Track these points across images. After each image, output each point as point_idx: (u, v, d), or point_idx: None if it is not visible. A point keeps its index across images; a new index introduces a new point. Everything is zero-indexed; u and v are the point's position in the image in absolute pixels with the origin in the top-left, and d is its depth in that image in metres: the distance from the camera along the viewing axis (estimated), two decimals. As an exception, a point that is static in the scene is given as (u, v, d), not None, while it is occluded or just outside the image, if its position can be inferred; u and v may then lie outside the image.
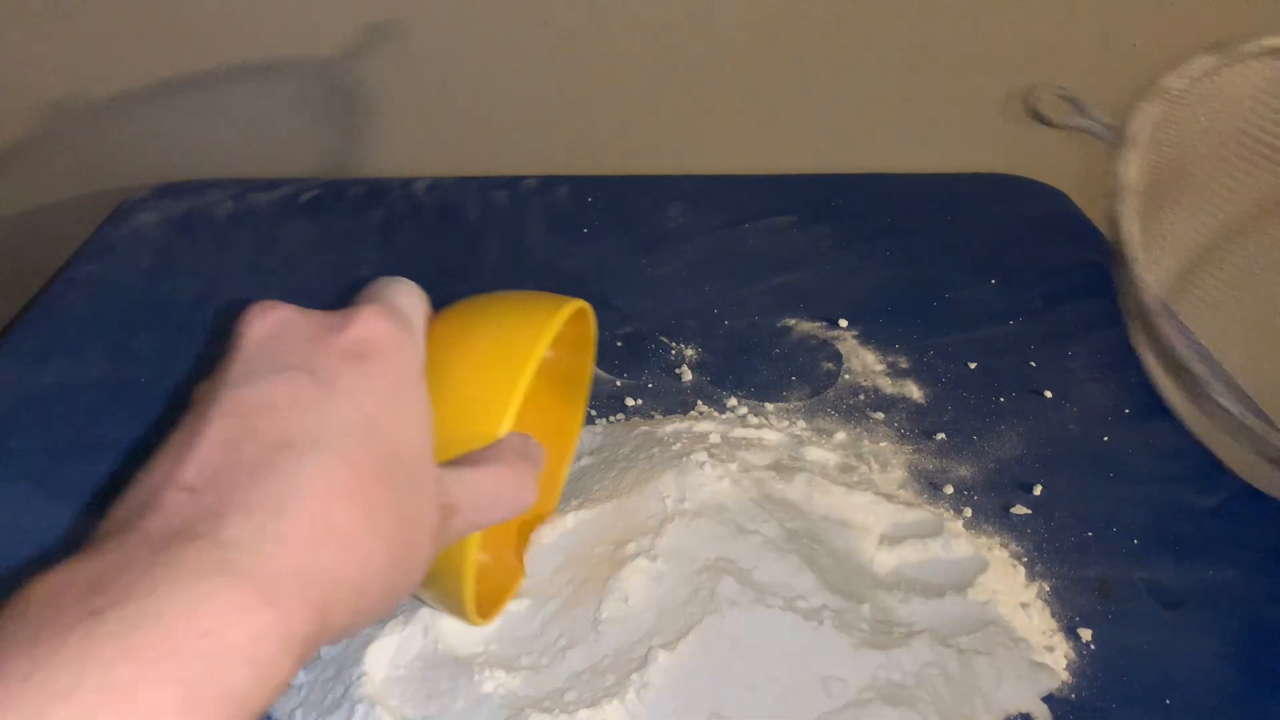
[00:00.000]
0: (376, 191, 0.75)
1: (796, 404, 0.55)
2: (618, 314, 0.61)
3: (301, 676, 0.38)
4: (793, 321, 0.61)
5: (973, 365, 0.58)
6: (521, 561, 0.41)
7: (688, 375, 0.57)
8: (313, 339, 0.26)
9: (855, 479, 0.49)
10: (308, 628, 0.20)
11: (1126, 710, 0.39)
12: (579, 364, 0.44)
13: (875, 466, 0.50)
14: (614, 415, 0.53)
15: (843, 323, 0.61)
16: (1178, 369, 0.27)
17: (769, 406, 0.54)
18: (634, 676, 0.35)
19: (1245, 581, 0.45)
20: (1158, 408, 0.55)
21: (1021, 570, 0.45)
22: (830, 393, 0.56)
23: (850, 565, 0.42)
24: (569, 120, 0.79)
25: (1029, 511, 0.48)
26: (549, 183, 0.76)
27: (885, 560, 0.43)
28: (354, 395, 0.24)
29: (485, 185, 0.76)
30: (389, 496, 0.24)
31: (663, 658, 0.36)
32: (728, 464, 0.44)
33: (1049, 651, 0.41)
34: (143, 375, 0.55)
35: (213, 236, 0.68)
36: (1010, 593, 0.43)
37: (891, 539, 0.44)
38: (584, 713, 0.35)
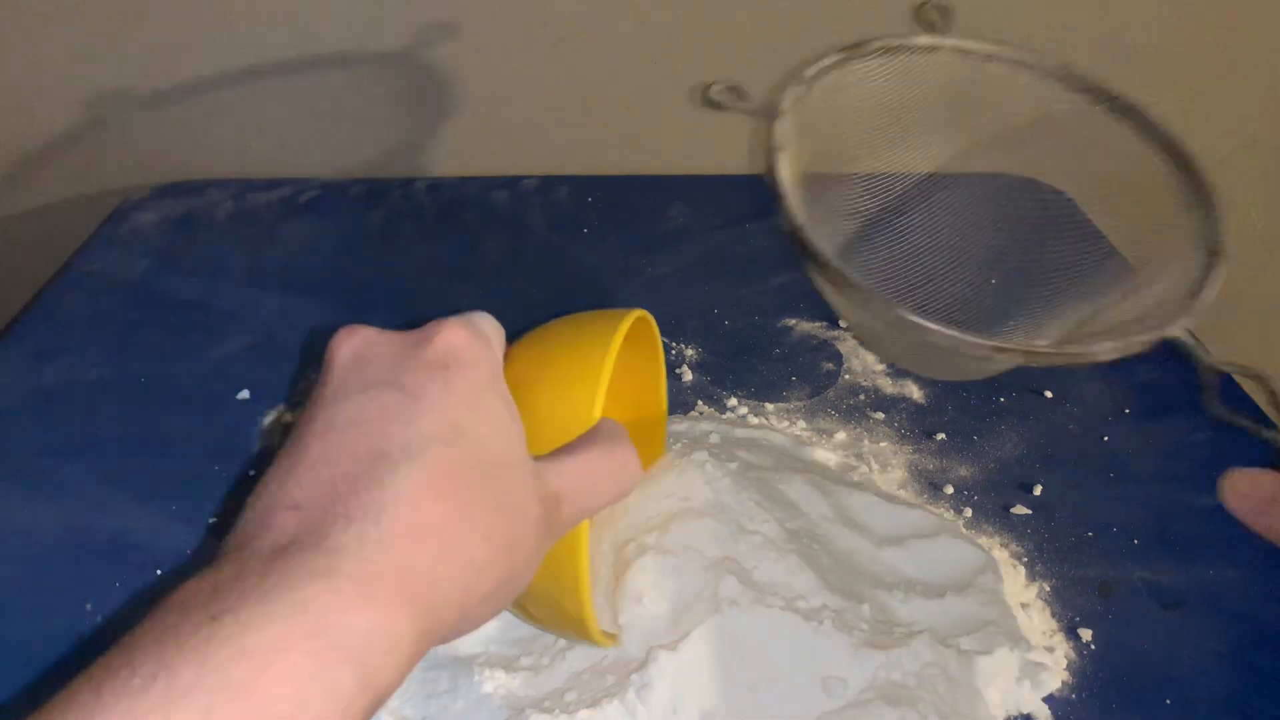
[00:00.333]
0: (376, 191, 0.75)
1: (796, 404, 0.55)
2: (618, 314, 0.61)
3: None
4: (793, 321, 0.61)
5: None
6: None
7: (688, 375, 0.57)
8: (396, 355, 0.27)
9: (855, 479, 0.49)
10: (414, 625, 0.21)
11: (1126, 710, 0.39)
12: (649, 372, 0.45)
13: (875, 466, 0.50)
14: (614, 415, 0.53)
15: (843, 323, 0.61)
16: (826, 272, 0.37)
17: (769, 406, 0.54)
18: (634, 676, 0.35)
19: (1245, 581, 0.45)
20: (1158, 408, 0.56)
21: (1021, 570, 0.45)
22: (830, 393, 0.56)
23: (850, 565, 0.42)
24: (569, 120, 0.79)
25: (1029, 511, 0.48)
26: (549, 183, 0.76)
27: (885, 560, 0.43)
28: (440, 404, 0.25)
29: (485, 185, 0.76)
30: (484, 496, 0.25)
31: (663, 658, 0.36)
32: (728, 464, 0.44)
33: (1049, 651, 0.41)
34: (143, 375, 0.55)
35: (213, 236, 0.68)
36: (1010, 593, 0.43)
37: (891, 539, 0.44)
38: (584, 713, 0.35)
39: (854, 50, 0.46)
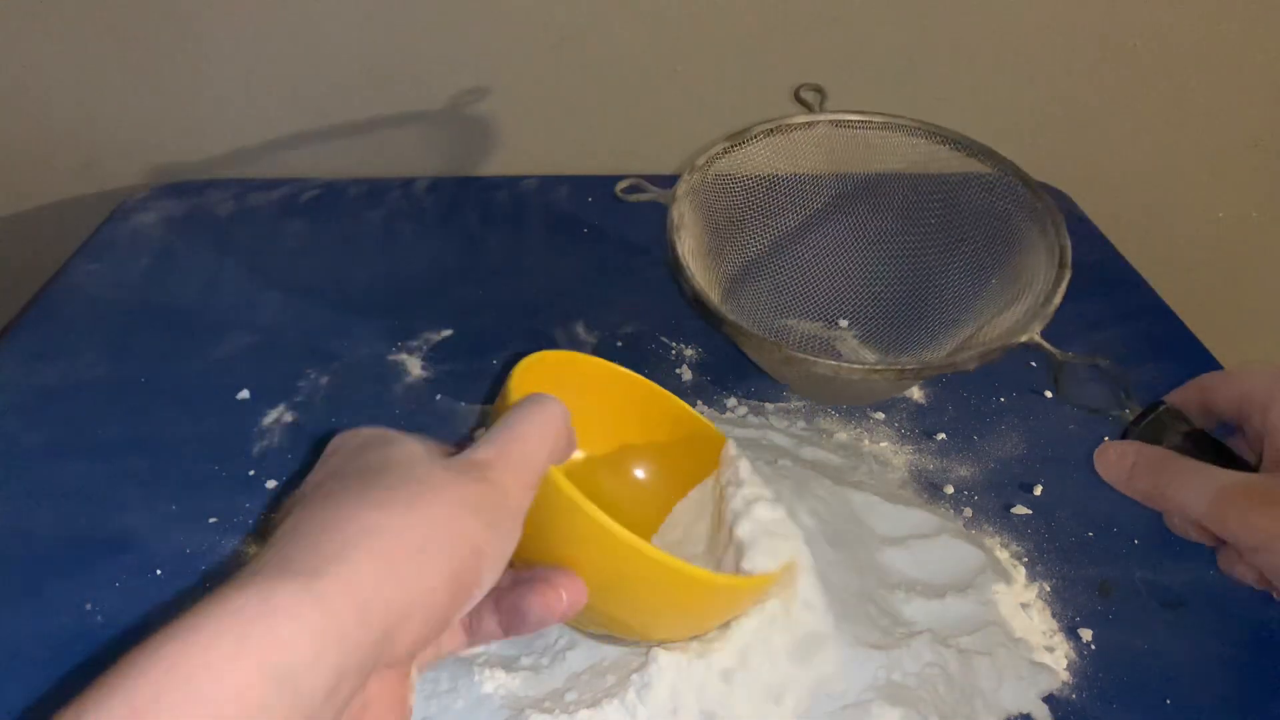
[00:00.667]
0: (376, 191, 0.75)
1: (796, 404, 0.55)
2: (618, 314, 0.61)
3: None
4: (793, 321, 0.61)
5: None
6: None
7: (688, 375, 0.57)
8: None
9: (855, 479, 0.49)
10: (363, 632, 0.22)
11: (1126, 710, 0.39)
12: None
13: (875, 466, 0.50)
14: (614, 415, 0.53)
15: (843, 323, 0.61)
16: (725, 326, 0.46)
17: (769, 406, 0.54)
18: (634, 677, 0.35)
19: (1245, 581, 0.45)
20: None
21: (1021, 570, 0.45)
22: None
23: (850, 565, 0.42)
24: (569, 120, 0.79)
25: (1029, 511, 0.48)
26: (549, 183, 0.76)
27: (885, 560, 0.43)
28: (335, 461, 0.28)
29: (485, 185, 0.76)
30: (403, 498, 0.25)
31: (663, 658, 0.36)
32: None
33: (1049, 651, 0.41)
34: (143, 375, 0.55)
35: (213, 236, 0.68)
36: (1010, 593, 0.43)
37: (891, 539, 0.44)
38: (584, 713, 0.35)
39: (738, 137, 0.54)
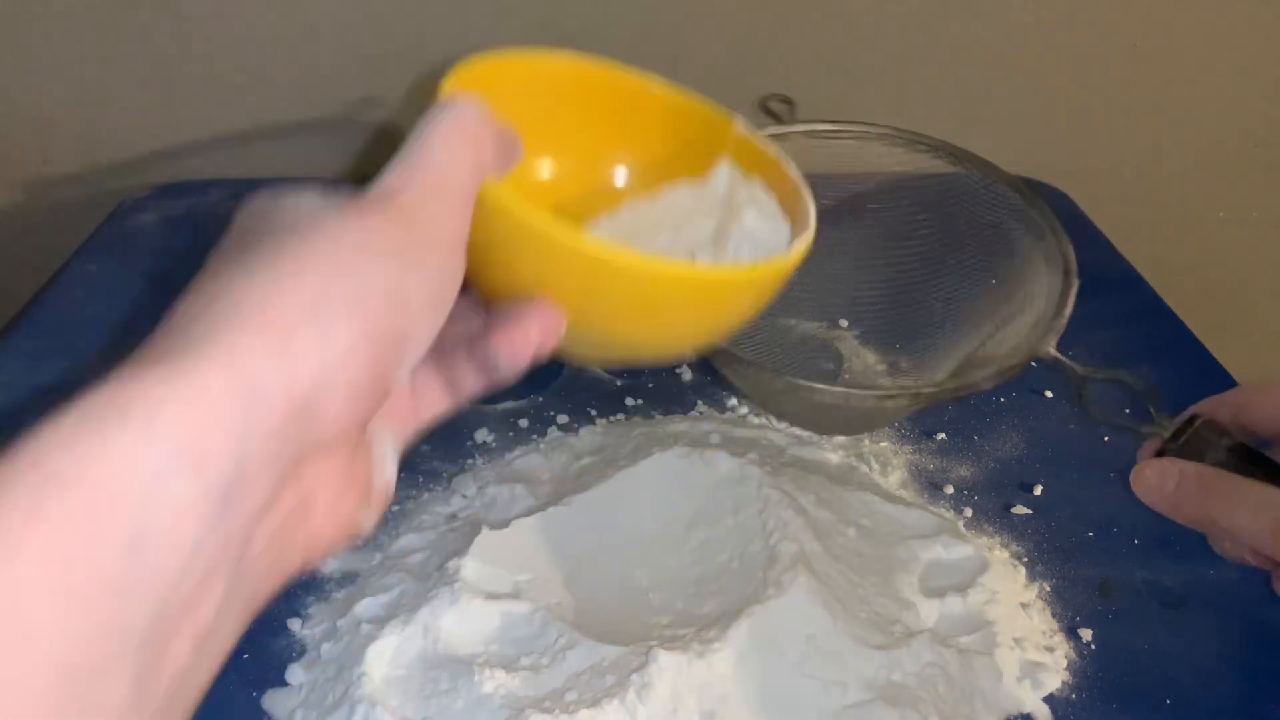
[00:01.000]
0: (376, 191, 0.75)
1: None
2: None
3: (302, 676, 0.38)
4: (793, 321, 0.61)
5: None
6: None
7: (688, 375, 0.57)
8: None
9: (855, 479, 0.49)
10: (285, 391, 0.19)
11: (1126, 710, 0.39)
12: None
13: (875, 466, 0.50)
14: (614, 415, 0.53)
15: (843, 323, 0.61)
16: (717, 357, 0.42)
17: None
18: (634, 677, 0.35)
19: (1245, 581, 0.45)
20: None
21: (1022, 570, 0.45)
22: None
23: (850, 565, 0.42)
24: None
25: (1029, 511, 0.48)
26: (549, 183, 0.76)
27: (886, 560, 0.43)
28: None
29: (485, 185, 0.76)
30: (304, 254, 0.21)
31: (663, 658, 0.36)
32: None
33: (1049, 651, 0.41)
34: (143, 375, 0.55)
35: (213, 236, 0.68)
36: (1010, 593, 0.43)
37: (892, 539, 0.44)
38: (584, 713, 0.35)
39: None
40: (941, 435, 0.53)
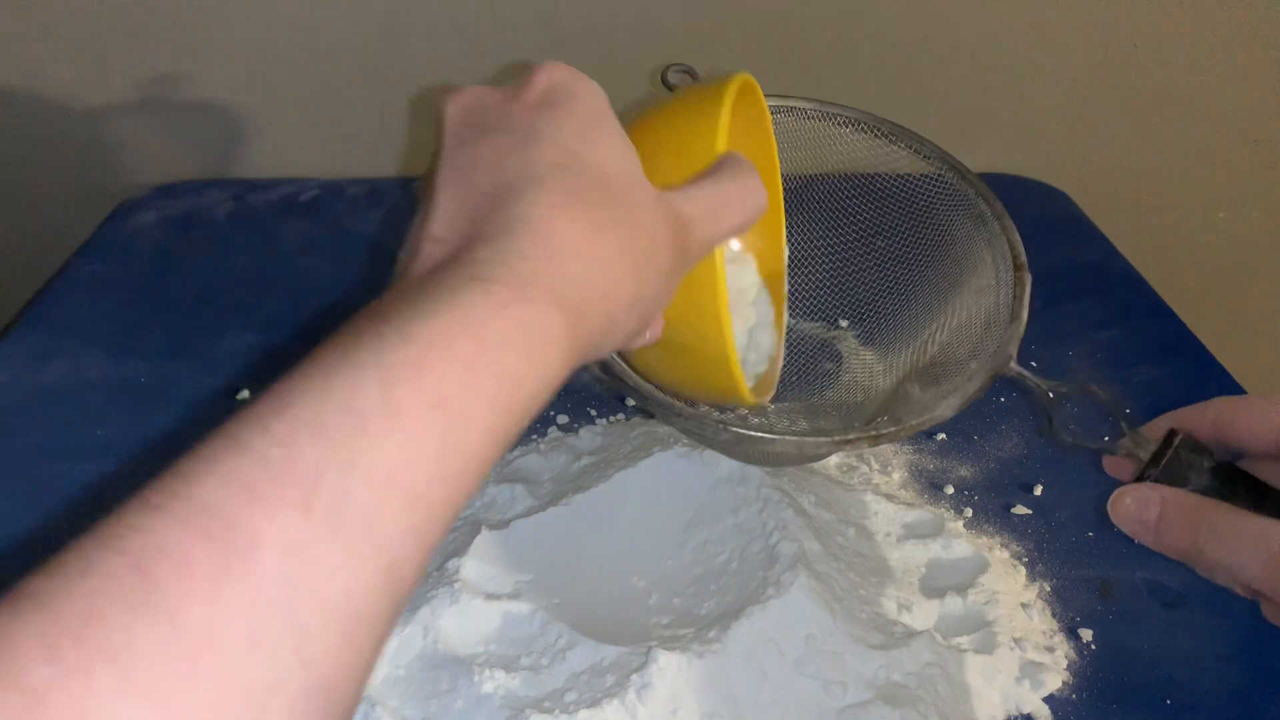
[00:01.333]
0: (376, 191, 0.75)
1: (796, 404, 0.55)
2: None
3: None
4: (793, 321, 0.61)
5: (973, 365, 0.58)
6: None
7: (688, 375, 0.57)
8: (502, 103, 0.28)
9: (856, 479, 0.49)
10: (566, 320, 0.23)
11: (1126, 710, 0.39)
12: (755, 137, 0.42)
13: (875, 466, 0.50)
14: (614, 415, 0.53)
15: (843, 323, 0.61)
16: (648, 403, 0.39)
17: (769, 406, 0.54)
18: (634, 677, 0.35)
19: (1245, 581, 0.45)
20: (1158, 407, 0.55)
21: (1022, 570, 0.45)
22: (830, 393, 0.56)
23: (851, 565, 0.42)
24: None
25: (1029, 511, 0.48)
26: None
27: (886, 561, 0.43)
28: (553, 136, 0.27)
29: (485, 185, 0.76)
30: (611, 213, 0.26)
31: (663, 658, 0.36)
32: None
33: (1049, 651, 0.41)
34: (143, 375, 0.55)
35: (213, 236, 0.68)
36: (1010, 593, 0.43)
37: (892, 539, 0.44)
38: (584, 713, 0.35)
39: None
40: (941, 435, 0.53)
